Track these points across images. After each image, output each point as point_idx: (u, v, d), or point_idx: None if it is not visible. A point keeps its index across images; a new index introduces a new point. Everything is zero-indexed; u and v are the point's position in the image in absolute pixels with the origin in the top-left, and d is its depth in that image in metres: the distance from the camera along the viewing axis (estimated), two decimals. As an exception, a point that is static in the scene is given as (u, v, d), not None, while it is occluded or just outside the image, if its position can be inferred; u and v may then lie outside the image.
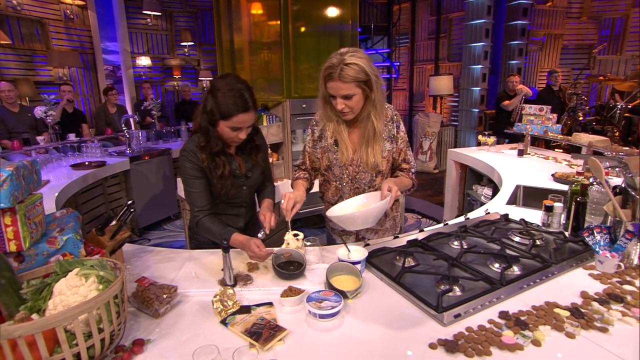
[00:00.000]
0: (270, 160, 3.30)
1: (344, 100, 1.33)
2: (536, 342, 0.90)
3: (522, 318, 0.99)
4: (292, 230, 1.37)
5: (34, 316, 0.85)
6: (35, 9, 4.98)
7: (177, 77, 6.74)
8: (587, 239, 1.33)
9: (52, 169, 3.15)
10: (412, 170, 1.53)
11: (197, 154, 1.40)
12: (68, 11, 5.36)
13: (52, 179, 2.76)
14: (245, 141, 1.44)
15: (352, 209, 1.38)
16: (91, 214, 3.30)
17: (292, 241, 1.34)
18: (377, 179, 1.50)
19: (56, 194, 2.36)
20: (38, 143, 3.56)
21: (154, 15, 6.24)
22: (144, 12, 6.07)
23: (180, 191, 2.91)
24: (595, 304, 1.04)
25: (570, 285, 1.17)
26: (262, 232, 1.35)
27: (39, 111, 3.50)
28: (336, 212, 1.38)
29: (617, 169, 2.20)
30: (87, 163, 3.30)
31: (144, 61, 6.37)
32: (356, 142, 1.47)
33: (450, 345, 0.89)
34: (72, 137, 3.88)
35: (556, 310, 1.02)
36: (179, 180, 2.94)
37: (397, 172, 1.54)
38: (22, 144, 3.35)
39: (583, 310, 1.01)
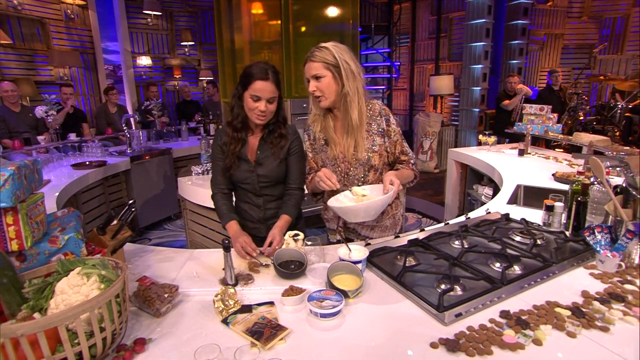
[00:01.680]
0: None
1: (315, 82, 1.40)
2: (537, 342, 0.90)
3: (523, 317, 0.99)
4: (292, 231, 1.37)
5: (36, 315, 0.86)
6: (35, 9, 4.98)
7: (177, 77, 6.74)
8: (588, 238, 1.33)
9: (52, 169, 3.16)
10: (412, 161, 1.54)
11: (224, 132, 1.53)
12: (69, 11, 5.36)
13: (52, 179, 2.76)
14: (271, 128, 1.51)
15: (353, 201, 1.39)
16: (92, 213, 3.30)
17: (292, 242, 1.34)
18: (369, 174, 1.50)
19: (57, 194, 2.36)
20: (39, 143, 3.56)
21: (154, 15, 6.24)
22: (144, 11, 6.07)
23: (181, 191, 2.91)
24: (596, 304, 1.04)
25: (571, 284, 1.17)
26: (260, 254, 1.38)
27: (39, 111, 3.51)
28: (338, 202, 1.38)
29: (618, 169, 2.20)
30: (87, 163, 3.31)
31: (145, 61, 6.37)
32: (339, 135, 1.50)
33: (451, 345, 0.89)
34: (72, 136, 3.88)
35: (557, 309, 1.02)
36: (180, 179, 2.94)
37: (397, 165, 1.55)
38: (22, 144, 3.35)
39: (584, 310, 1.01)
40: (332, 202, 1.39)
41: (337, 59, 1.36)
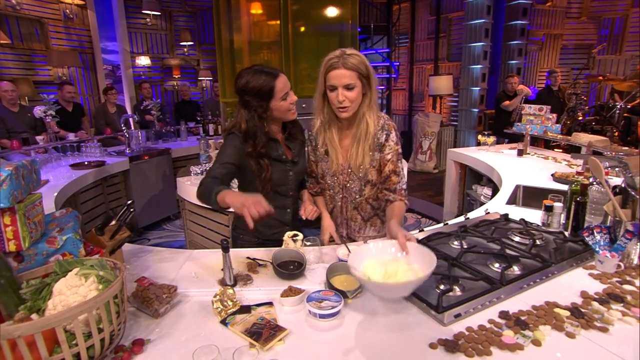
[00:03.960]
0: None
1: (345, 92, 1.31)
2: (536, 342, 0.90)
3: (522, 318, 0.99)
4: (292, 231, 1.37)
5: (34, 316, 0.85)
6: (34, 9, 4.98)
7: (176, 77, 6.73)
8: (587, 238, 1.33)
9: (51, 169, 3.15)
10: (404, 187, 1.43)
11: (244, 144, 1.38)
12: (67, 11, 5.35)
13: (51, 179, 2.76)
14: (290, 131, 1.51)
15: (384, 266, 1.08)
16: (90, 213, 3.29)
17: (291, 242, 1.34)
18: (366, 188, 1.47)
19: (55, 194, 2.35)
20: (37, 143, 3.55)
21: (153, 15, 6.24)
22: (143, 11, 6.07)
23: (180, 191, 2.91)
24: (595, 304, 1.04)
25: (570, 285, 1.17)
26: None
27: (38, 111, 3.49)
28: (367, 274, 1.04)
29: (616, 169, 2.20)
30: (86, 163, 3.30)
31: (144, 61, 6.36)
32: (347, 147, 1.44)
33: (450, 345, 0.89)
34: (71, 136, 3.87)
35: (556, 310, 1.02)
36: (178, 179, 2.93)
37: (384, 191, 1.44)
38: (21, 144, 3.34)
39: (583, 310, 1.01)
40: (356, 268, 1.04)
41: (368, 70, 1.32)
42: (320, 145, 1.48)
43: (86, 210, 3.22)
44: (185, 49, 6.73)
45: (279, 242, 1.41)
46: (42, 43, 5.11)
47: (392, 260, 1.09)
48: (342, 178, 1.48)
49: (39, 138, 3.59)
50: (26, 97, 4.81)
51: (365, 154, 1.40)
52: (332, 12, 3.57)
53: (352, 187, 1.48)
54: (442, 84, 6.40)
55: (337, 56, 1.31)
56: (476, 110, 5.71)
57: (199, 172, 2.98)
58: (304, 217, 1.45)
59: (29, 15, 4.91)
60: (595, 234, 1.32)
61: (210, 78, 6.78)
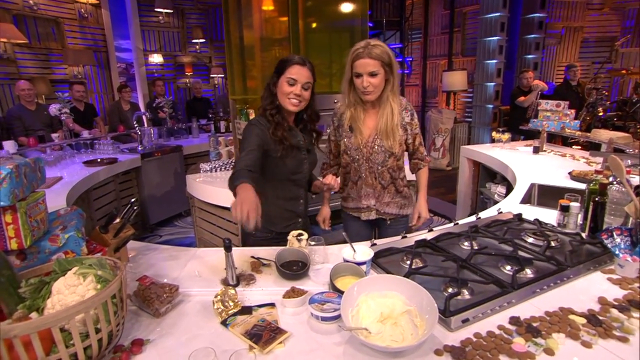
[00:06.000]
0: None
1: (369, 78, 1.47)
2: (549, 351, 0.85)
3: (535, 324, 0.94)
4: (296, 230, 1.35)
5: (33, 315, 0.85)
6: (50, 9, 5.08)
7: (189, 74, 6.79)
8: (606, 241, 1.27)
9: (65, 166, 3.20)
10: (425, 153, 1.73)
11: (264, 121, 1.49)
12: (82, 10, 5.45)
13: (65, 176, 2.80)
14: (305, 122, 1.57)
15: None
16: (103, 210, 3.34)
17: (295, 242, 1.32)
18: (389, 159, 1.61)
19: (68, 191, 2.39)
20: (53, 140, 3.63)
21: (166, 12, 6.30)
22: (156, 9, 6.13)
23: (190, 188, 2.92)
24: (614, 311, 0.99)
25: (587, 290, 1.11)
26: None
27: (53, 109, 3.56)
28: (361, 316, 0.97)
29: (639, 167, 2.11)
30: (99, 160, 3.35)
31: (157, 58, 6.44)
32: (372, 126, 1.60)
33: (456, 352, 0.85)
34: (85, 134, 3.94)
35: (571, 316, 0.97)
36: (188, 177, 2.95)
37: (416, 160, 1.71)
38: (37, 141, 3.42)
39: (601, 318, 0.96)
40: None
41: (391, 59, 1.49)
42: (346, 123, 1.62)
43: (99, 206, 3.27)
44: (198, 47, 6.77)
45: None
46: (58, 42, 5.21)
47: (388, 297, 0.99)
48: (366, 150, 1.61)
49: (54, 135, 3.66)
50: (43, 96, 4.92)
51: (395, 129, 1.56)
52: (343, 7, 3.52)
53: (375, 159, 1.61)
54: (456, 79, 6.28)
55: (362, 47, 1.47)
56: (491, 106, 5.58)
57: (208, 169, 2.98)
58: (325, 183, 1.52)
59: (45, 15, 5.02)
60: (615, 236, 1.25)
61: (223, 75, 6.81)
